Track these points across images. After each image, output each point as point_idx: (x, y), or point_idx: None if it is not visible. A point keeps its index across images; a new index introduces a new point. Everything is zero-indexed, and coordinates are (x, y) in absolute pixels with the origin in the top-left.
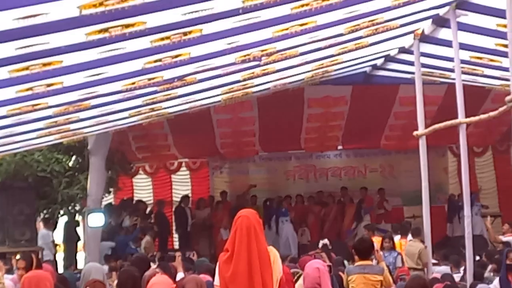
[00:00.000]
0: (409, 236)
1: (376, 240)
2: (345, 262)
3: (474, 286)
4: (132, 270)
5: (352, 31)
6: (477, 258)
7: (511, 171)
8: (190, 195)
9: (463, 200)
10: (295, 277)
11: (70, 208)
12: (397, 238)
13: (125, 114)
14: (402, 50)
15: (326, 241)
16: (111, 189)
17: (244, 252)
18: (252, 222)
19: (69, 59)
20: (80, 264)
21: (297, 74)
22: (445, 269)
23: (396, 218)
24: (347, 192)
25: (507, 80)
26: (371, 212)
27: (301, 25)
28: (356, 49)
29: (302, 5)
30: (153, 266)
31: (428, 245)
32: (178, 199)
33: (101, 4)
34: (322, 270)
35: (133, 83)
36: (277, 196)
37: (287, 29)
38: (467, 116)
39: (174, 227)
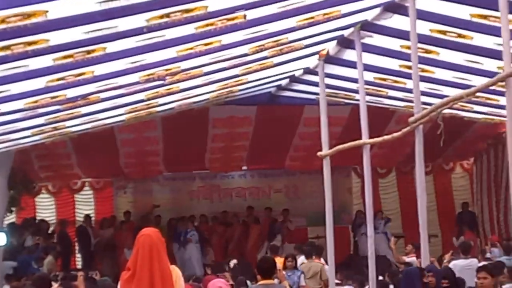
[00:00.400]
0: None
1: (279, 261)
2: (248, 282)
3: None
4: None
5: (257, 51)
6: (380, 278)
7: (414, 192)
8: (93, 214)
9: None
10: None
11: None
12: (301, 258)
13: (28, 132)
14: (307, 70)
15: (235, 261)
16: (13, 209)
17: (146, 271)
18: (155, 241)
19: None
20: None
21: (202, 94)
22: None
23: (300, 239)
24: (253, 212)
25: (411, 101)
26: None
27: (206, 44)
28: (261, 69)
29: (207, 25)
30: (55, 285)
31: (331, 265)
32: (81, 219)
33: (3, 21)
34: None
35: (36, 101)
36: (181, 216)
37: (191, 48)
38: (371, 137)
39: (77, 247)
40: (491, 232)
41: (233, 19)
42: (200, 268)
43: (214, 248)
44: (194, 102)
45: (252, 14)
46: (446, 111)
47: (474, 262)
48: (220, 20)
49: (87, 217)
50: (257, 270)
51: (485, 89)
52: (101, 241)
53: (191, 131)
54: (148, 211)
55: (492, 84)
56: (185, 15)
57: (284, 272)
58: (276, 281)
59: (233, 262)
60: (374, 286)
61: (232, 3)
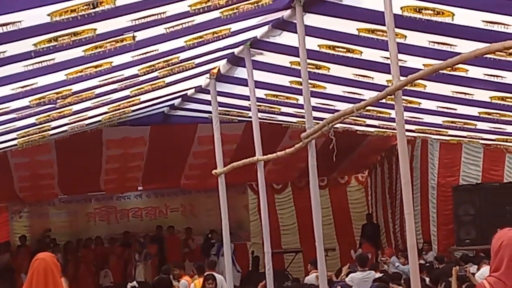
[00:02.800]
0: None
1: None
2: None
3: None
4: None
5: (148, 72)
6: None
7: (310, 207)
8: None
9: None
10: None
11: None
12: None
13: None
14: (199, 89)
15: (134, 283)
16: None
17: None
18: (49, 265)
19: None
20: None
21: (94, 116)
22: None
23: (200, 257)
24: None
25: (303, 117)
26: (174, 252)
27: (96, 67)
28: (153, 89)
29: (96, 47)
30: None
31: (230, 282)
32: None
33: None
34: None
35: None
36: (78, 239)
37: (81, 71)
38: (265, 153)
39: None
40: (388, 244)
41: (122, 40)
42: None
43: (113, 270)
44: (87, 124)
45: (141, 35)
46: (339, 125)
47: (371, 274)
48: (109, 42)
49: None
50: None
51: (375, 103)
52: None
53: (85, 153)
54: (42, 236)
55: (382, 98)
56: (73, 38)
57: None
58: None
59: (130, 285)
60: None
61: (121, 25)
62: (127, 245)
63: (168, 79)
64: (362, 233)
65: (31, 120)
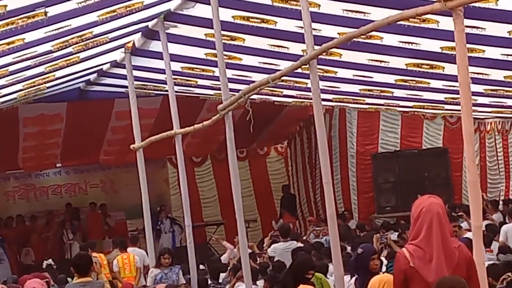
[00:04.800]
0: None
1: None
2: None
3: None
4: None
5: (62, 48)
6: (201, 267)
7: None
8: None
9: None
10: None
11: None
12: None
13: None
14: (114, 64)
15: (50, 261)
16: None
17: None
18: None
19: None
20: None
21: (9, 94)
22: None
23: (120, 232)
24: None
25: (220, 89)
26: (95, 229)
27: (8, 44)
28: (68, 65)
29: (7, 24)
30: None
31: (151, 256)
32: None
33: None
34: None
35: None
36: None
37: None
38: (183, 126)
39: None
40: (309, 213)
41: (33, 16)
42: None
43: (34, 249)
44: (2, 102)
45: (53, 10)
46: (256, 96)
47: (293, 245)
48: (20, 19)
49: None
50: (73, 267)
51: (292, 73)
52: None
53: (1, 132)
54: None
55: (297, 68)
56: None
57: (158, 271)
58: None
59: (46, 262)
60: (195, 274)
61: (32, 1)
62: (46, 223)
63: (82, 55)
64: (281, 204)
65: None
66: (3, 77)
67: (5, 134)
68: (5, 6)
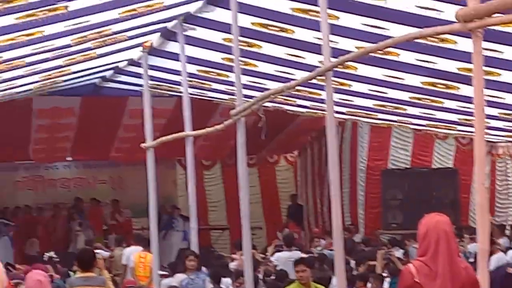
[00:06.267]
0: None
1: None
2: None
3: None
4: None
5: (80, 42)
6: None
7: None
8: None
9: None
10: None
11: None
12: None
13: None
14: (131, 62)
15: (52, 253)
16: None
17: None
18: None
19: None
20: None
21: (25, 85)
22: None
23: (125, 230)
24: (82, 203)
25: (234, 94)
26: (97, 224)
27: (28, 35)
28: (85, 60)
29: (28, 15)
30: None
31: (156, 256)
32: None
33: None
34: (44, 282)
35: None
36: (4, 207)
37: (13, 39)
38: (195, 129)
39: None
40: (316, 224)
41: (54, 10)
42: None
43: (40, 240)
44: (17, 93)
45: (74, 5)
46: (270, 104)
47: (297, 254)
48: (41, 11)
49: None
50: (77, 262)
51: (306, 83)
52: None
53: (14, 122)
54: None
55: (312, 78)
56: (6, 5)
57: (185, 275)
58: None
59: (48, 255)
60: None
61: None
62: (53, 215)
63: (100, 51)
64: (288, 213)
65: None
66: (20, 67)
67: (18, 124)
68: None
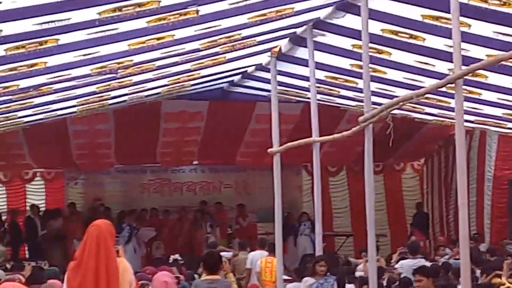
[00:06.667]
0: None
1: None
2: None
3: None
4: None
5: (209, 47)
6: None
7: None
8: (44, 205)
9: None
10: None
11: None
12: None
13: None
14: (259, 67)
15: (177, 256)
16: None
17: (92, 261)
18: (103, 232)
19: None
20: None
21: (154, 88)
22: (298, 285)
23: (250, 235)
24: (207, 207)
25: (362, 101)
26: (223, 228)
27: (158, 39)
28: (213, 65)
29: (159, 19)
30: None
31: (280, 261)
32: None
33: None
34: (170, 284)
35: None
36: (131, 209)
37: (143, 42)
38: (322, 135)
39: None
40: (440, 233)
41: (185, 14)
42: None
43: (165, 242)
44: (146, 96)
45: (204, 9)
46: (398, 111)
47: (421, 262)
48: (172, 15)
49: (34, 206)
50: (203, 265)
51: (435, 91)
52: (50, 232)
53: (142, 125)
54: (93, 204)
55: (442, 86)
56: (138, 9)
57: (314, 280)
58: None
59: (173, 257)
60: None
61: None
62: (179, 218)
63: (229, 55)
64: (413, 222)
65: (92, 88)
66: (150, 71)
67: (146, 127)
68: (159, 1)
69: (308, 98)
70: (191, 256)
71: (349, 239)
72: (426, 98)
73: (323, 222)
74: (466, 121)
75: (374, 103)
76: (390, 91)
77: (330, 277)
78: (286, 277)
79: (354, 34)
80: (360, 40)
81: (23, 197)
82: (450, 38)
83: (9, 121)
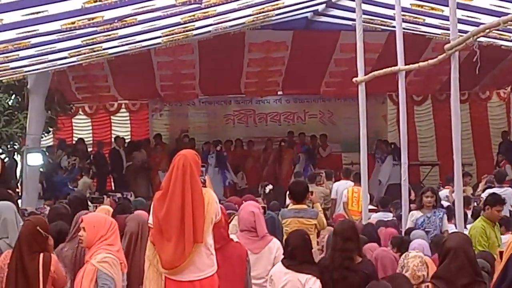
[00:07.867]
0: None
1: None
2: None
3: (409, 232)
4: (59, 208)
5: None
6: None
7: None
8: (129, 136)
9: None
10: (230, 218)
11: (9, 146)
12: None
13: (65, 54)
14: None
15: (270, 186)
16: (51, 129)
17: (179, 191)
18: (189, 161)
19: None
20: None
21: (238, 18)
22: (382, 215)
23: (334, 165)
24: (292, 137)
25: (448, 29)
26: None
27: None
28: None
29: None
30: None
31: (365, 191)
32: None
33: None
34: (257, 214)
35: (73, 23)
36: (214, 140)
37: None
38: (407, 64)
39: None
40: None
41: None
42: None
43: (248, 173)
44: (231, 26)
45: None
46: (483, 39)
47: (508, 191)
48: None
49: (119, 138)
50: (289, 194)
51: None
52: (135, 163)
53: (227, 55)
54: (179, 136)
55: None
56: None
57: (421, 213)
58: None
59: (268, 188)
60: (407, 212)
61: None
62: (264, 149)
63: None
64: (498, 151)
65: (176, 19)
66: (234, 1)
67: (230, 58)
68: None
69: (393, 26)
70: (276, 186)
71: (434, 168)
72: None
73: (408, 151)
74: None
75: (459, 31)
76: (476, 18)
77: (439, 210)
78: (371, 207)
79: None
80: None
81: (109, 129)
82: None
83: (94, 53)
